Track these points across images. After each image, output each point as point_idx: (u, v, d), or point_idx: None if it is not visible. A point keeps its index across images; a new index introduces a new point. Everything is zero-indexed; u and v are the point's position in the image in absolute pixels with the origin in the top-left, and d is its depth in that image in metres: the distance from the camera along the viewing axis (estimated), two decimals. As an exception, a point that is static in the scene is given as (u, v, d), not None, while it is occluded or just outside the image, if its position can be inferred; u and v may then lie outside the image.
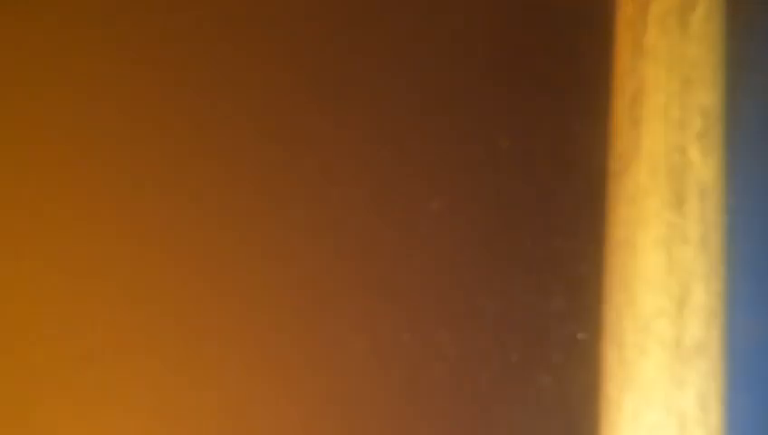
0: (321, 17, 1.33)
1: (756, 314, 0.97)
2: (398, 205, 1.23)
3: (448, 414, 1.13)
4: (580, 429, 0.99)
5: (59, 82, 1.40)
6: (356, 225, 1.25)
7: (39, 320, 1.32)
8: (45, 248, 1.34)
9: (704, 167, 0.98)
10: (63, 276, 1.33)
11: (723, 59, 1.03)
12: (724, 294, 0.94)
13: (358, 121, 1.28)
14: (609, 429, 0.92)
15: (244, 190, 1.31)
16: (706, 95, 1.01)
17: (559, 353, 1.05)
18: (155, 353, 1.28)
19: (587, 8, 1.16)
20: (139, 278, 1.31)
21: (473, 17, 1.25)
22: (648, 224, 0.96)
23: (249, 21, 1.36)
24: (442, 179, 1.22)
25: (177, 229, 1.32)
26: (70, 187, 1.37)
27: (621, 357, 0.93)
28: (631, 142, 1.02)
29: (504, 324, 1.12)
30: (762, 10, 1.06)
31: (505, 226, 1.17)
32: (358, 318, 1.21)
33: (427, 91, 1.26)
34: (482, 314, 1.14)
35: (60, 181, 1.37)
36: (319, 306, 1.23)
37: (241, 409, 1.24)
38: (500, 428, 1.09)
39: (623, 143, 1.03)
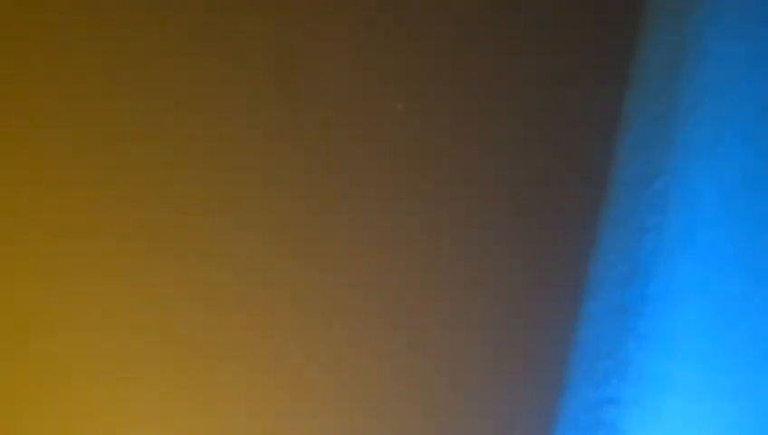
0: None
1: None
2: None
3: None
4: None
5: (61, 84, 1.39)
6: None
7: (42, 320, 1.32)
8: (51, 249, 1.34)
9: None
10: (65, 276, 1.33)
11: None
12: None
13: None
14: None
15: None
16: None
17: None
18: (161, 352, 1.30)
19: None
20: (144, 275, 1.33)
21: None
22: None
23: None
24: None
25: (181, 228, 1.34)
26: (72, 187, 1.36)
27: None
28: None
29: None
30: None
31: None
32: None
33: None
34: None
35: (63, 182, 1.37)
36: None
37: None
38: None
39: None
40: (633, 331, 1.09)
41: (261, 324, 1.31)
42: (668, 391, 1.07)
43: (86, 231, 1.37)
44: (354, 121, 1.34)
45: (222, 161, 1.36)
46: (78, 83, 1.38)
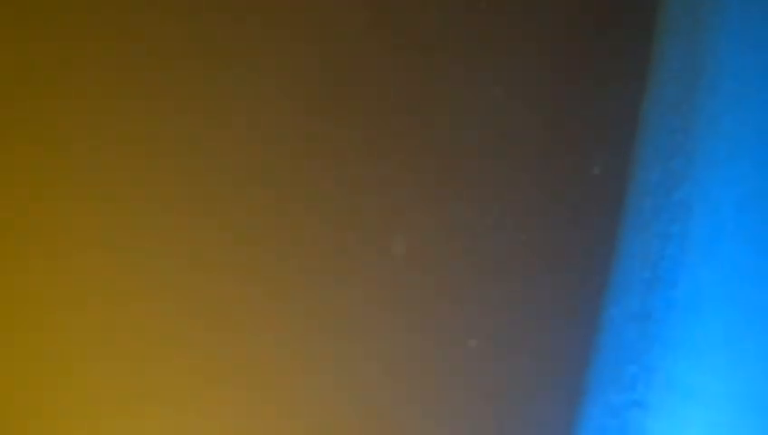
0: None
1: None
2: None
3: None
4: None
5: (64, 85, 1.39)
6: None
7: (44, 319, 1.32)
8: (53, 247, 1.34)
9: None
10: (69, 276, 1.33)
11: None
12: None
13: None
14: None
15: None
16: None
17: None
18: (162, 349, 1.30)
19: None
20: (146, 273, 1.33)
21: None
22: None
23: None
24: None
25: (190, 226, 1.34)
26: (73, 186, 1.36)
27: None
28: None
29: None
30: None
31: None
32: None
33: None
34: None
35: (64, 181, 1.36)
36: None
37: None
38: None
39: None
40: (657, 337, 1.11)
41: (267, 327, 1.31)
42: (693, 398, 1.08)
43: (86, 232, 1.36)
44: (366, 123, 1.35)
45: (227, 164, 1.36)
46: (81, 85, 1.38)
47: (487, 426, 1.22)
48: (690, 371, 1.10)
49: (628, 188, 1.23)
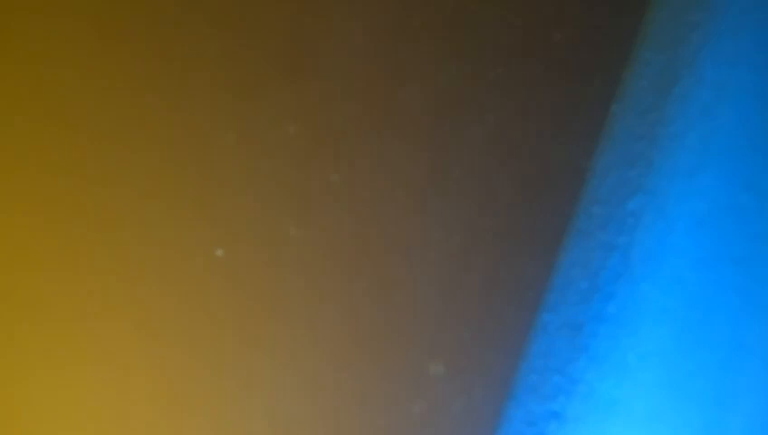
0: None
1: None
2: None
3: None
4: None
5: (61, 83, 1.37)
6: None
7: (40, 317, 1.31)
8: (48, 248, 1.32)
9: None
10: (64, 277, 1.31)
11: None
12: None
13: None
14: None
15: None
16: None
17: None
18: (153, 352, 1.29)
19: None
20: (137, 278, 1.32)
21: None
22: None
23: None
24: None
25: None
26: (71, 186, 1.34)
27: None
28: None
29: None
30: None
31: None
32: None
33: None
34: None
35: (60, 180, 1.35)
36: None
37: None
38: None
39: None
40: (585, 349, 1.08)
41: (258, 323, 1.29)
42: (614, 414, 1.05)
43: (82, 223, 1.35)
44: (359, 106, 1.32)
45: (221, 146, 1.34)
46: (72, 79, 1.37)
47: (409, 425, 1.19)
48: (615, 386, 1.06)
49: (580, 192, 1.19)
